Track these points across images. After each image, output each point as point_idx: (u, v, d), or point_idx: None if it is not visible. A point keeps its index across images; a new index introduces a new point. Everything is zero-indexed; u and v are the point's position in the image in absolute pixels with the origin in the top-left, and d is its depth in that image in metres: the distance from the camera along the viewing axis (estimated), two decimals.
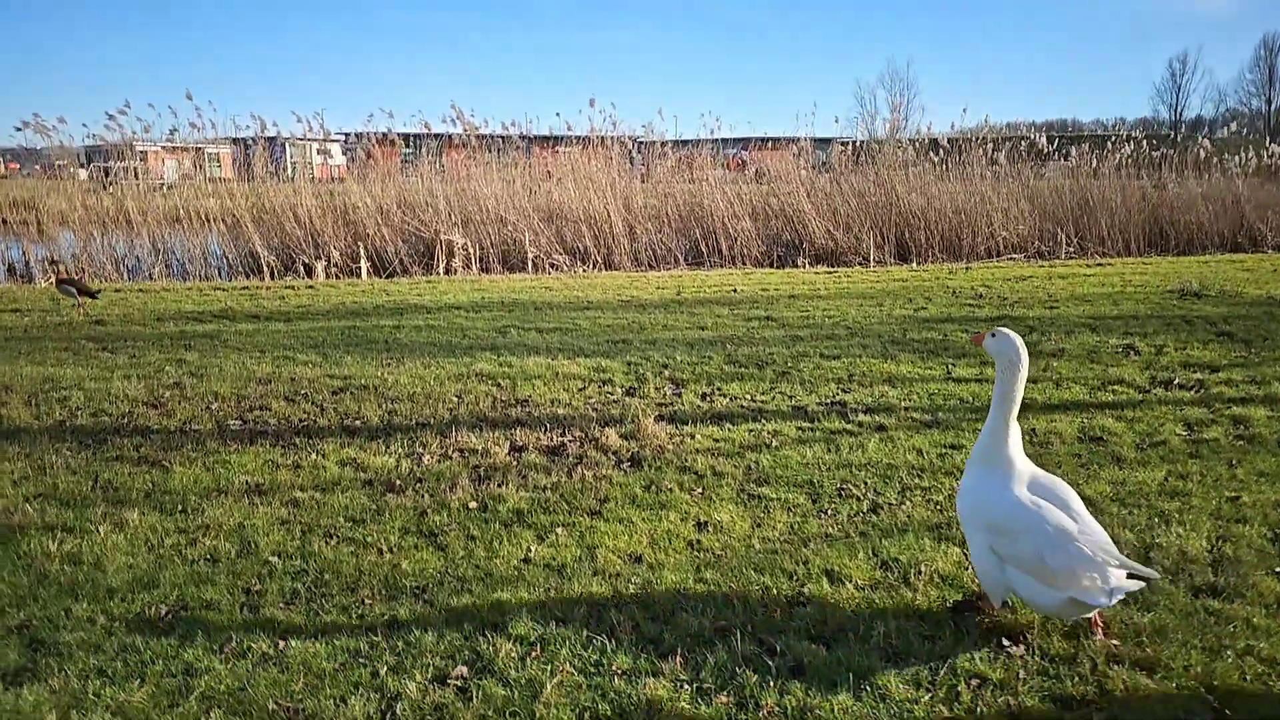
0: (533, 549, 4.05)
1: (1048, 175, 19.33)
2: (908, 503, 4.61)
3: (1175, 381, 6.90)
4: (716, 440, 5.71)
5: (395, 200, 16.50)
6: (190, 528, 4.31)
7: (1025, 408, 5.87)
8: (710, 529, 4.30)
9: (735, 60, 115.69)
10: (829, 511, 4.51)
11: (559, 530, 4.25)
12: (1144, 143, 19.82)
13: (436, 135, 19.11)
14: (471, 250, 15.64)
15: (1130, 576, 2.98)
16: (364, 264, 15.20)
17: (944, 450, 5.45)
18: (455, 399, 6.75)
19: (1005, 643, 3.20)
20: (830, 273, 15.07)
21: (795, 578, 3.77)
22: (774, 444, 5.60)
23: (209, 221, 15.88)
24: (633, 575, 3.79)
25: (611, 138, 18.38)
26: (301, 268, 15.09)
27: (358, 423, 6.12)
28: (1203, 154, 19.64)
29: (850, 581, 3.72)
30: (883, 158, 18.29)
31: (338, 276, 14.93)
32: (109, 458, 5.37)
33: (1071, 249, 17.10)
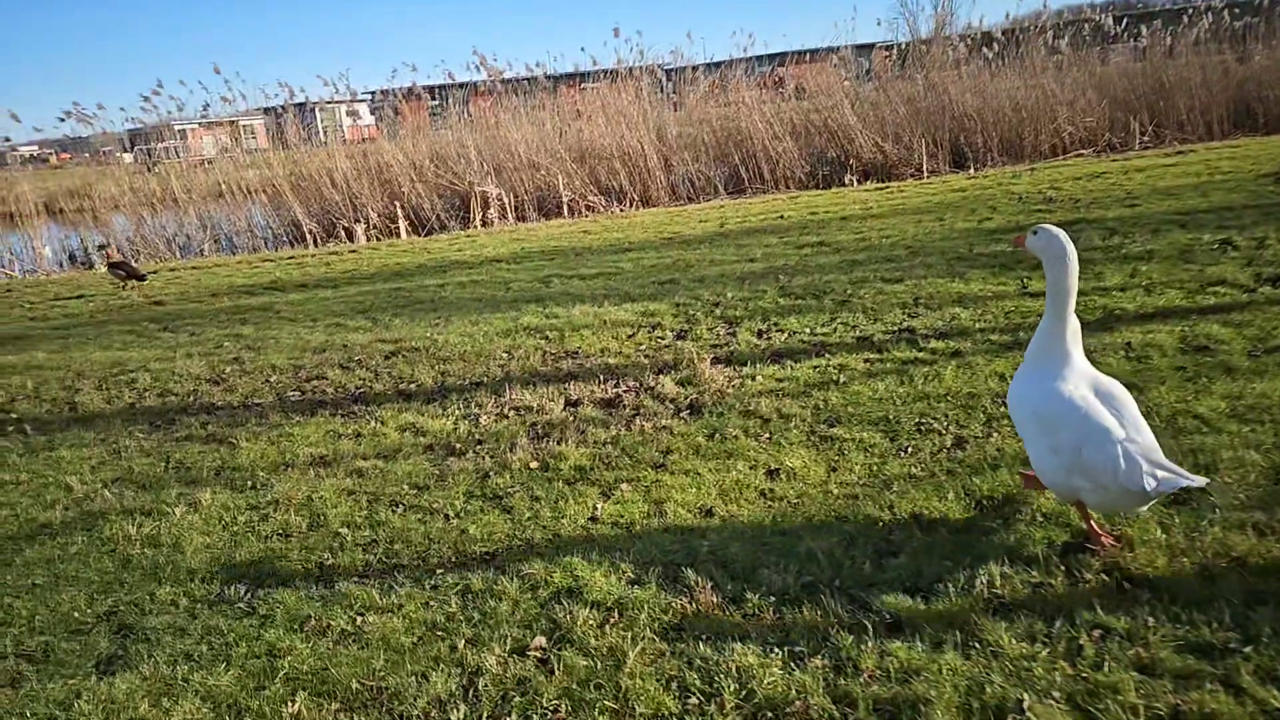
0: (599, 507, 3.94)
1: (1115, 59, 17.88)
2: (995, 434, 4.26)
3: None
4: (779, 380, 5.46)
5: (427, 155, 16.34)
6: (261, 503, 4.32)
7: (1116, 319, 5.69)
8: (782, 476, 4.07)
9: None
10: (909, 450, 4.19)
11: (624, 486, 4.13)
12: (1224, 12, 17.98)
13: (461, 85, 18.79)
14: (506, 200, 15.46)
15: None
16: (402, 223, 15.14)
17: None
18: (505, 355, 6.66)
19: (1127, 586, 2.90)
20: (882, 188, 14.37)
21: (881, 524, 3.50)
22: (841, 380, 5.26)
23: (250, 194, 15.96)
24: (706, 530, 3.66)
25: (640, 68, 17.71)
26: (342, 232, 15.11)
27: (413, 386, 6.07)
28: None
29: (943, 525, 3.42)
30: (931, 59, 17.17)
31: (378, 238, 14.92)
32: (179, 438, 5.48)
33: (1147, 138, 15.89)
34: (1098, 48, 17.76)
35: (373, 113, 22.43)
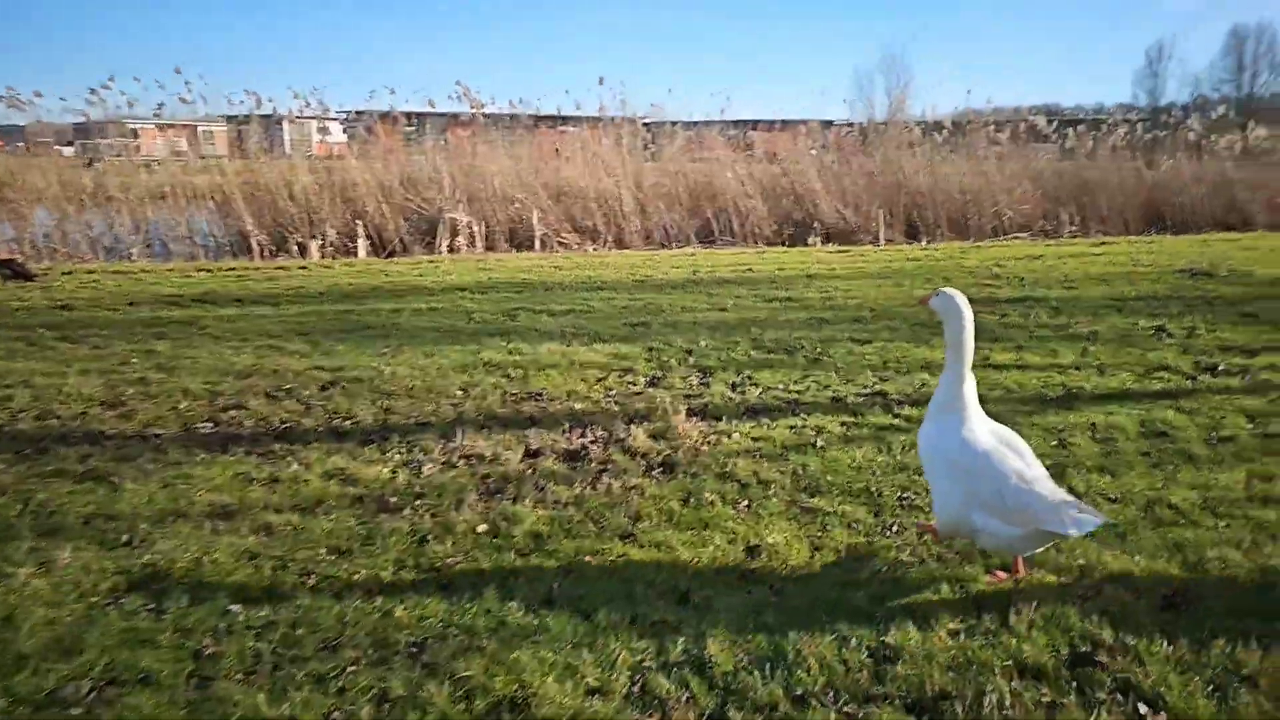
0: (555, 587, 3.33)
1: (1045, 157, 19.75)
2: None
3: (1220, 367, 6.43)
4: (756, 440, 5.01)
5: (398, 177, 15.80)
6: (134, 566, 3.50)
7: (1076, 398, 5.78)
8: (763, 554, 3.61)
9: (742, 43, 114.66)
10: (894, 528, 3.85)
11: (586, 560, 3.54)
12: (1137, 125, 20.79)
13: (441, 114, 18.46)
14: (477, 228, 14.93)
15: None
16: (361, 243, 14.47)
17: None
18: (460, 393, 6.03)
19: (1142, 709, 2.59)
20: (843, 251, 14.60)
21: (874, 621, 3.08)
22: (819, 443, 4.93)
23: (196, 198, 15.13)
24: (680, 622, 3.08)
25: (622, 117, 18.10)
26: (295, 247, 14.36)
27: (349, 424, 5.39)
28: (1191, 136, 20.38)
29: (940, 625, 3.05)
30: (889, 138, 18.43)
31: (333, 257, 14.21)
32: (48, 472, 4.55)
33: (1074, 228, 17.25)
34: (1032, 144, 19.85)
35: (345, 131, 21.85)
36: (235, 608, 3.18)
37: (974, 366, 6.47)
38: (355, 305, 9.49)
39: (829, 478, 4.40)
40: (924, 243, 16.11)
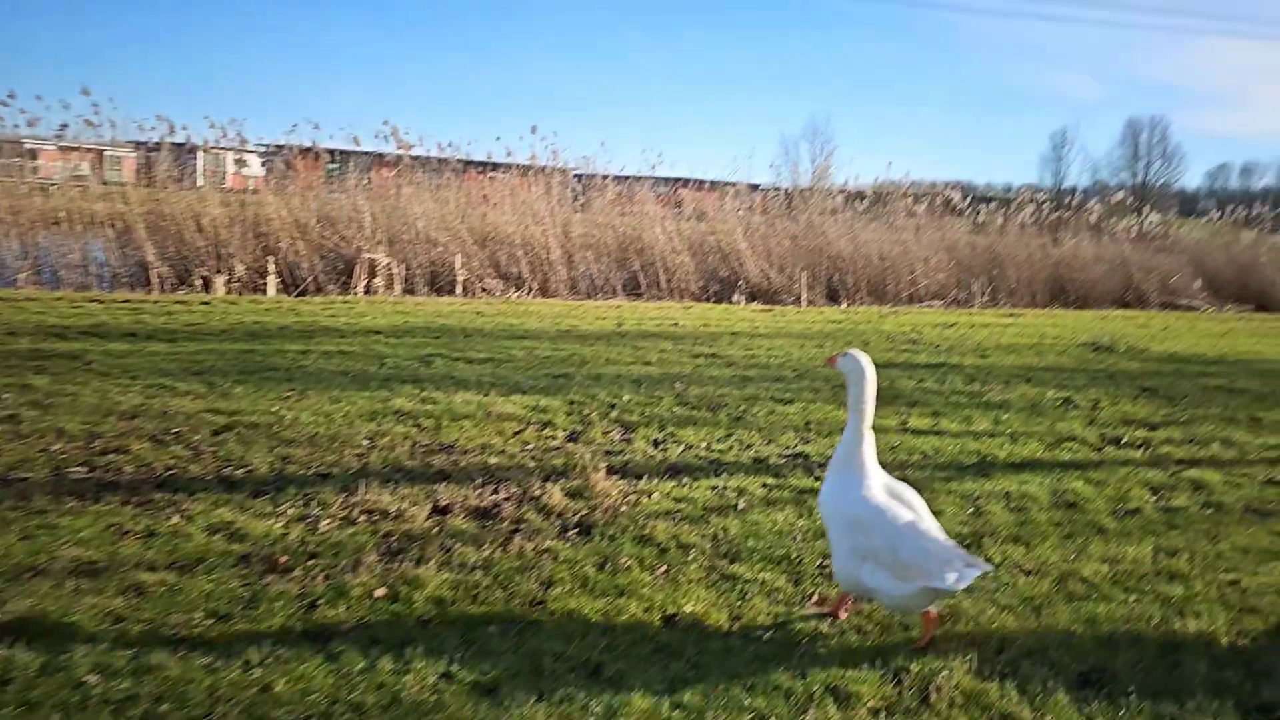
0: (457, 659, 3.06)
1: (959, 230, 20.64)
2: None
3: (1124, 440, 6.66)
4: (677, 500, 4.85)
5: (315, 214, 15.32)
6: None
7: (990, 465, 5.86)
8: (681, 624, 3.44)
9: (674, 104, 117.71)
10: (814, 597, 3.75)
11: (491, 630, 3.28)
12: (1043, 205, 22.22)
13: (366, 152, 18.06)
14: (396, 270, 14.55)
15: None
16: (271, 280, 13.91)
17: None
18: (366, 443, 5.70)
19: None
20: (767, 310, 14.83)
21: (794, 698, 2.95)
22: (740, 505, 4.81)
23: (95, 225, 14.33)
24: (589, 699, 2.85)
25: (553, 167, 18.10)
26: (199, 281, 13.70)
27: (241, 473, 5.01)
28: (1092, 219, 21.91)
29: (861, 704, 2.95)
30: (813, 203, 19.08)
31: (240, 292, 13.59)
32: None
33: (985, 298, 18.06)
34: (947, 217, 20.79)
35: (264, 164, 21.20)
36: (93, 679, 2.81)
37: (893, 431, 6.64)
38: (259, 345, 9.02)
39: (750, 542, 4.27)
40: (844, 305, 16.56)
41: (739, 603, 3.64)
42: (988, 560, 3.76)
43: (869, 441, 3.49)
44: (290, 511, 4.43)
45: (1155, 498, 5.32)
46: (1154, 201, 26.72)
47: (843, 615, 3.54)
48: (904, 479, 5.32)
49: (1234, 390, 8.80)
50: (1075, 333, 13.13)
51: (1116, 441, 6.58)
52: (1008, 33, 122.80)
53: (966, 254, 19.01)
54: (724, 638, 3.35)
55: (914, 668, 3.17)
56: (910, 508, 3.35)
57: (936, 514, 4.71)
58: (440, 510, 4.52)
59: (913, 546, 3.17)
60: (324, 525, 4.25)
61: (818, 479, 5.29)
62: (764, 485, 5.18)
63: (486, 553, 3.98)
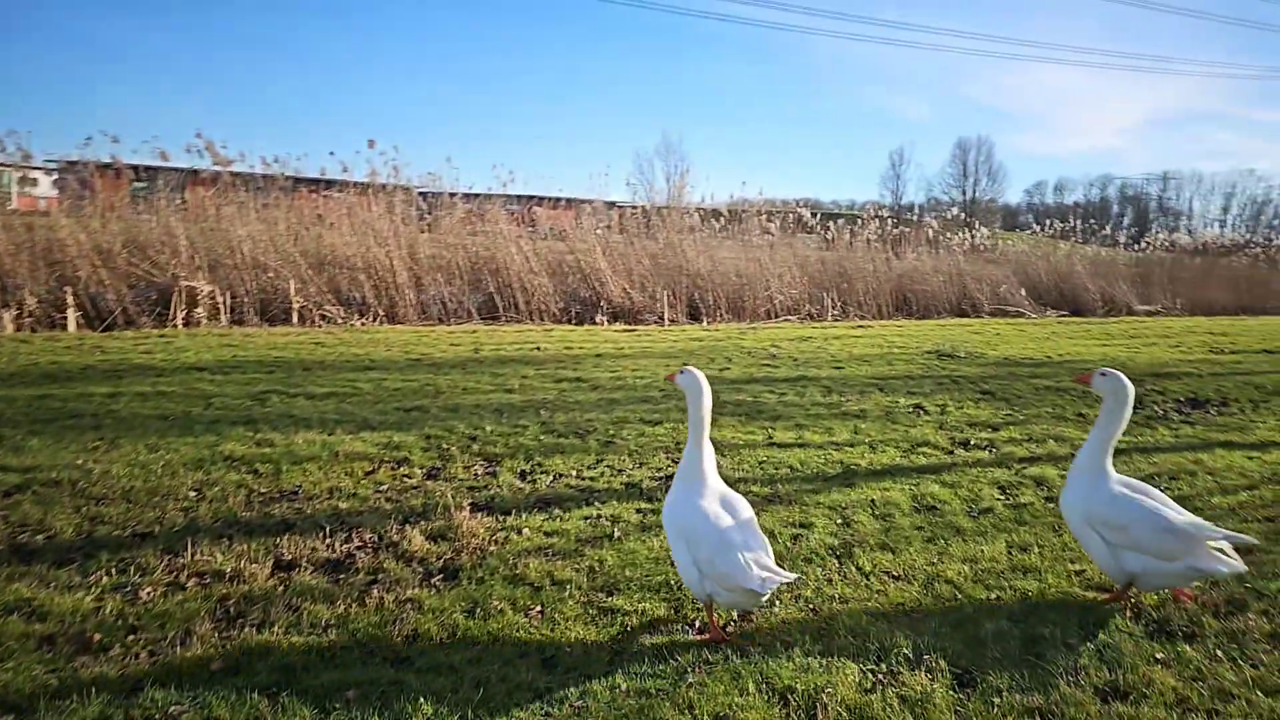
0: None
1: (811, 246, 21.58)
2: (779, 606, 3.85)
3: (971, 442, 6.98)
4: (548, 534, 4.60)
5: (119, 238, 13.84)
6: None
7: (854, 474, 5.98)
8: (561, 666, 3.24)
9: (525, 121, 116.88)
10: (697, 625, 3.64)
11: (349, 695, 2.92)
12: (886, 221, 23.63)
13: (177, 169, 16.48)
14: (220, 299, 13.40)
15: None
16: (71, 314, 12.46)
17: (796, 531, 4.82)
18: (193, 494, 5.11)
19: None
20: (629, 330, 14.73)
21: None
22: (615, 534, 4.64)
23: None
24: None
25: (395, 184, 17.12)
26: None
27: (40, 539, 4.34)
28: (930, 233, 23.46)
29: None
30: (671, 221, 19.06)
31: (33, 329, 12.12)
32: None
33: (837, 312, 18.76)
34: (799, 235, 21.71)
35: (55, 184, 19.11)
36: None
37: (760, 445, 6.67)
38: (58, 388, 8.03)
39: (627, 572, 4.11)
40: (705, 323, 16.69)
41: (621, 637, 3.48)
42: (799, 574, 4.05)
43: (708, 452, 3.69)
44: (104, 581, 3.87)
45: (1004, 496, 5.57)
46: (981, 216, 29.00)
47: (718, 637, 3.54)
48: (774, 494, 5.45)
49: (1060, 390, 9.41)
50: (920, 341, 13.82)
51: (965, 444, 6.88)
52: (852, 55, 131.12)
53: (818, 269, 19.59)
54: (606, 677, 3.18)
55: (799, 687, 3.12)
56: (735, 517, 3.54)
57: (808, 527, 4.84)
58: (284, 566, 4.07)
59: (725, 558, 3.35)
60: (145, 594, 3.72)
61: None
62: (638, 511, 5.03)
63: (341, 609, 3.59)
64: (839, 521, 4.95)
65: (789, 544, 4.59)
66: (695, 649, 3.39)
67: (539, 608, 3.69)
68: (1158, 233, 33.11)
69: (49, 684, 2.97)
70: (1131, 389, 3.96)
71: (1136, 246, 28.80)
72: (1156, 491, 3.88)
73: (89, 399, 7.58)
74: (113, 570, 3.97)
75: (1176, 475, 6.12)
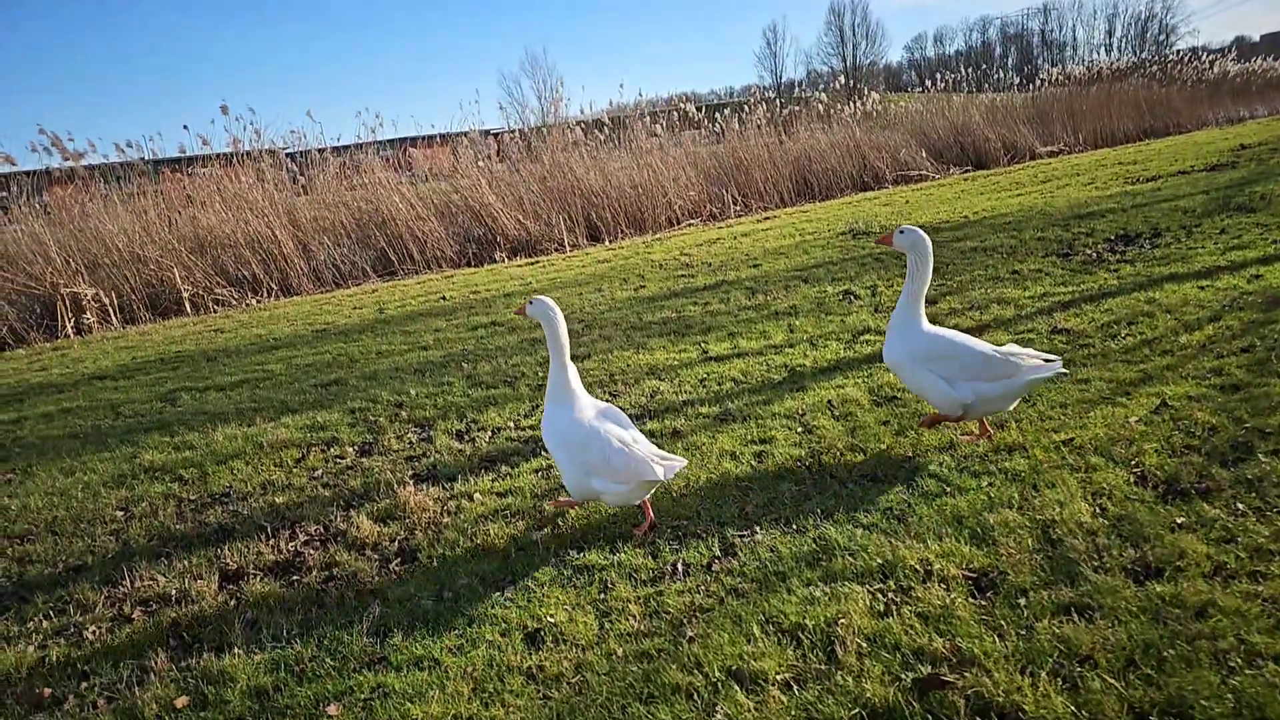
0: None
1: (702, 142, 20.64)
2: (762, 529, 3.75)
3: None
4: (501, 495, 4.51)
5: None
6: None
7: (802, 378, 5.83)
8: (548, 641, 3.11)
9: (382, 59, 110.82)
10: (678, 567, 3.52)
11: (331, 711, 2.84)
12: (776, 102, 22.69)
13: (29, 171, 15.30)
14: (107, 300, 12.66)
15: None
16: None
17: (758, 449, 4.68)
18: (121, 514, 4.88)
19: None
20: (533, 263, 14.35)
21: (696, 696, 2.69)
22: None
23: None
24: None
25: (259, 150, 16.10)
26: None
27: None
28: (820, 108, 22.61)
29: (770, 681, 2.71)
30: (553, 140, 18.26)
31: None
32: None
33: (739, 207, 18.26)
34: (686, 132, 20.67)
35: None
36: None
37: (697, 363, 6.61)
38: None
39: (592, 523, 4.01)
40: (608, 242, 16.24)
41: (602, 597, 3.34)
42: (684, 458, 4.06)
43: (572, 372, 3.98)
44: (44, 625, 3.67)
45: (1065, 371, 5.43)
46: (866, 82, 28.43)
47: (550, 507, 4.05)
48: (725, 413, 5.31)
49: (987, 249, 9.40)
50: (831, 224, 13.64)
51: None
52: None
53: (712, 166, 18.92)
54: (599, 645, 3.02)
55: (808, 623, 2.95)
56: (617, 423, 3.87)
57: (769, 442, 4.72)
58: (231, 577, 3.92)
59: (619, 455, 3.66)
60: (90, 633, 3.55)
61: (644, 433, 5.13)
62: None
63: (300, 615, 3.47)
64: (800, 430, 4.84)
65: (754, 463, 4.44)
66: (692, 604, 3.19)
67: (509, 578, 3.59)
68: (1047, 68, 32.29)
69: None
70: (928, 241, 4.26)
71: (1031, 87, 28.11)
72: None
73: None
74: (51, 613, 3.77)
75: (1134, 320, 5.99)
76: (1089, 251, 8.61)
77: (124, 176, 15.42)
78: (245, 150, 16.06)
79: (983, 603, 2.99)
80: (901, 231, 4.33)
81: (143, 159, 15.77)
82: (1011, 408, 4.31)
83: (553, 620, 3.22)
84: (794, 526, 3.71)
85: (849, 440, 4.61)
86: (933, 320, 6.73)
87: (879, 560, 3.31)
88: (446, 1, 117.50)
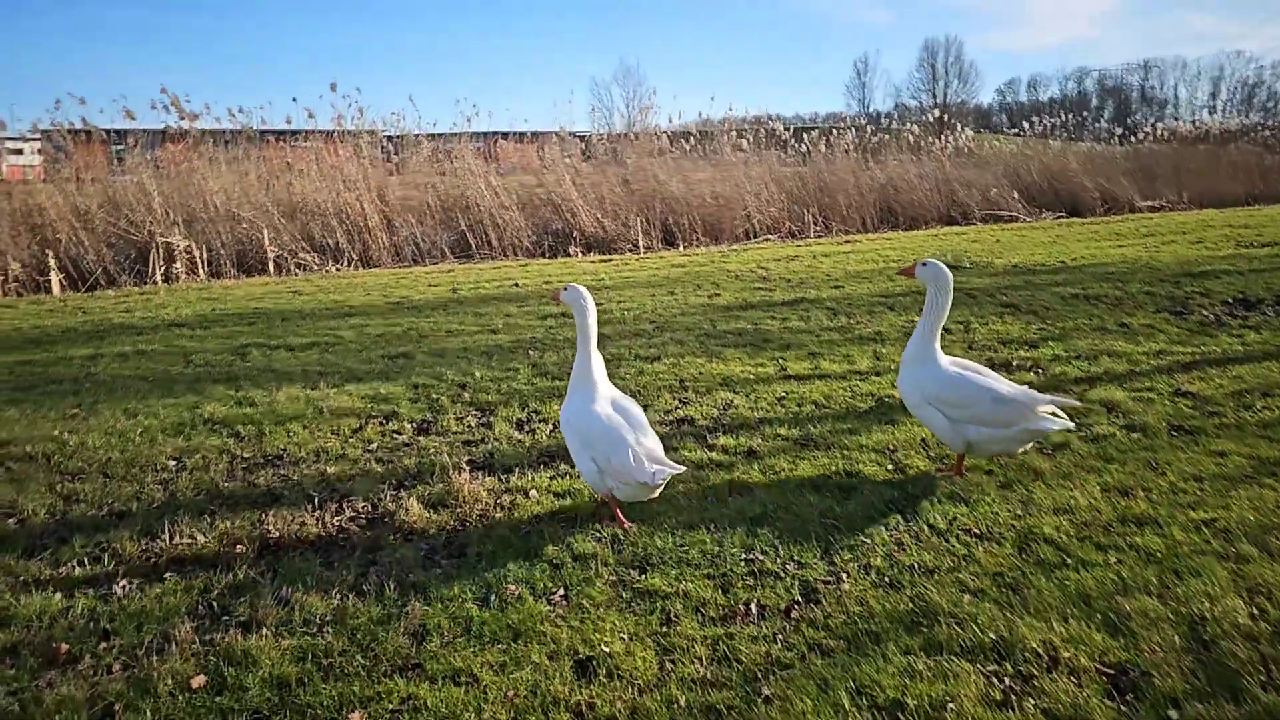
0: None
1: (787, 161, 20.40)
2: (847, 578, 3.33)
3: (1013, 363, 6.46)
4: (558, 495, 4.23)
5: (96, 200, 13.37)
6: None
7: (889, 408, 5.41)
8: (600, 671, 2.76)
9: (483, 56, 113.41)
10: (752, 609, 3.12)
11: (353, 719, 2.57)
12: (867, 129, 22.33)
13: (148, 129, 15.91)
14: (197, 253, 12.91)
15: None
16: (54, 276, 12.05)
17: (844, 482, 4.27)
18: (173, 464, 4.75)
19: None
20: (606, 260, 14.20)
21: None
22: None
23: None
24: None
25: (361, 130, 16.58)
26: None
27: (12, 524, 3.99)
28: (911, 139, 22.09)
29: None
30: (639, 146, 18.31)
31: (19, 294, 11.72)
32: None
33: (818, 228, 17.91)
34: (769, 151, 20.27)
35: (40, 152, 18.42)
36: None
37: (775, 379, 6.22)
38: (39, 353, 7.60)
39: (656, 541, 3.66)
40: (682, 248, 16.07)
41: (664, 630, 2.98)
42: (683, 464, 4.07)
43: (597, 362, 4.00)
44: (76, 572, 3.51)
45: (1074, 427, 4.89)
46: (954, 120, 27.68)
47: (625, 526, 3.81)
48: (807, 437, 4.90)
49: (1090, 297, 8.84)
50: (915, 253, 13.15)
51: (1007, 366, 6.34)
52: None
53: (795, 185, 18.54)
54: (659, 688, 2.66)
55: (909, 701, 2.54)
56: (630, 419, 3.85)
57: (855, 475, 4.31)
58: (271, 547, 3.71)
59: (619, 454, 3.65)
60: (120, 588, 3.37)
61: (711, 448, 4.79)
62: None
63: (336, 601, 3.22)
64: (890, 467, 4.41)
65: (839, 498, 4.02)
66: (763, 653, 2.82)
67: (561, 591, 3.27)
68: (1153, 123, 31.21)
69: (10, 710, 2.62)
70: (950, 275, 4.30)
71: (1133, 139, 27.17)
72: (984, 368, 4.20)
73: (69, 362, 7.21)
74: (85, 560, 3.62)
75: (1270, 392, 5.43)
76: (1205, 313, 8.01)
77: (232, 141, 15.88)
78: (347, 129, 16.47)
79: (1124, 708, 2.55)
80: (924, 264, 4.37)
81: (252, 127, 16.25)
82: (1020, 451, 4.27)
83: (607, 650, 2.87)
84: (886, 579, 3.29)
85: (947, 486, 4.17)
86: (1033, 369, 6.34)
87: (992, 635, 2.86)
88: (552, 3, 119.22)
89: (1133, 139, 27.30)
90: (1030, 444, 4.21)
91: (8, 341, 8.23)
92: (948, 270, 4.28)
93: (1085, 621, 2.93)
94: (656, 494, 3.79)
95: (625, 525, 3.79)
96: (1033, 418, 4.03)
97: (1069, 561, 3.38)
